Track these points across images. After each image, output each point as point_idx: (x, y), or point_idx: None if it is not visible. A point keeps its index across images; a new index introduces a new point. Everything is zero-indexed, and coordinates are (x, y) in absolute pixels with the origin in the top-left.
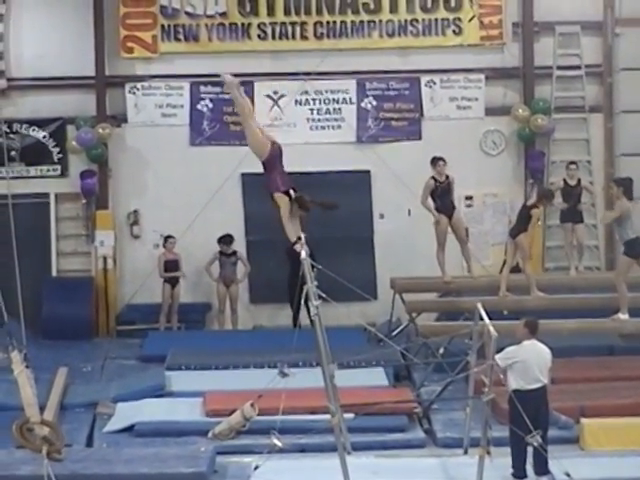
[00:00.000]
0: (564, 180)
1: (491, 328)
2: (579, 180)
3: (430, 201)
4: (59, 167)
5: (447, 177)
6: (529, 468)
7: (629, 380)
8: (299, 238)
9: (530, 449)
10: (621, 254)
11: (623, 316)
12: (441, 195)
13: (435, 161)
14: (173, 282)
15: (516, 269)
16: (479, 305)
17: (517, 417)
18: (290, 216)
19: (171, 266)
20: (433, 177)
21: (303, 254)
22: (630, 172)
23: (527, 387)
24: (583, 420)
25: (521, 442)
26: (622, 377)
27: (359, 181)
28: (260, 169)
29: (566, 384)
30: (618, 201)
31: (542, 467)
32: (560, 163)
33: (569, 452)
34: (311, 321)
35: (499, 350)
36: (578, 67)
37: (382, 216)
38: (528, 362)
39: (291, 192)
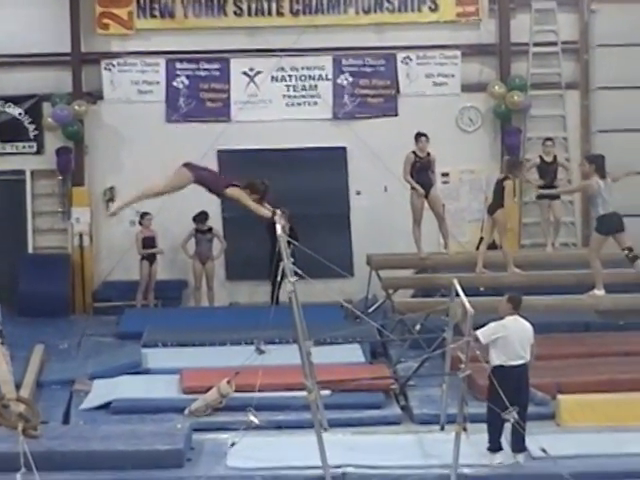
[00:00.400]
0: (540, 157)
1: (467, 304)
2: (555, 157)
3: (410, 176)
4: (35, 144)
5: (428, 154)
6: (506, 445)
7: (605, 356)
8: (274, 213)
9: (508, 426)
10: (594, 230)
11: (599, 292)
12: (420, 171)
13: (418, 136)
14: (151, 259)
15: (492, 246)
16: (455, 281)
17: (497, 393)
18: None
19: (149, 243)
20: (414, 152)
21: (279, 229)
22: (606, 149)
23: (509, 363)
24: (559, 396)
25: (499, 418)
26: (598, 353)
27: (335, 158)
28: (238, 146)
29: (542, 361)
30: (589, 178)
31: (519, 444)
32: (536, 140)
33: (545, 428)
34: (288, 298)
35: (479, 327)
36: (554, 44)
37: (358, 193)
38: (510, 338)
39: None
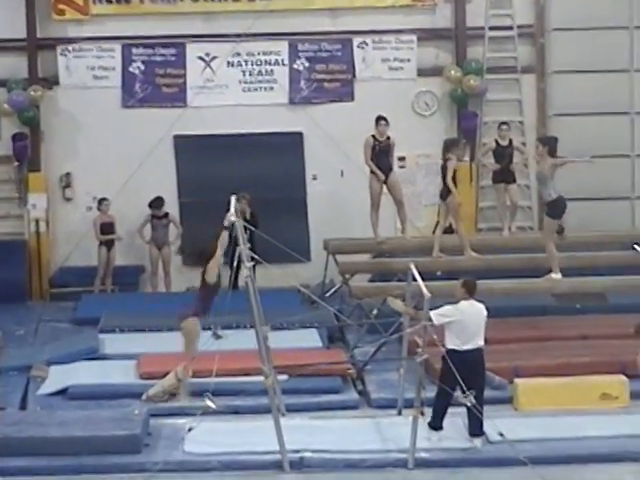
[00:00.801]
0: (496, 141)
1: (424, 289)
2: (510, 140)
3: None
4: None
5: (388, 138)
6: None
7: (562, 340)
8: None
9: (464, 411)
10: (545, 215)
11: (555, 276)
12: (379, 155)
13: (378, 120)
14: (109, 245)
15: (449, 230)
16: (412, 266)
17: (448, 375)
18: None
19: (107, 228)
20: (373, 136)
21: (232, 215)
22: (562, 132)
23: (463, 347)
24: (516, 380)
25: (446, 400)
26: (555, 337)
27: (291, 143)
28: (194, 131)
29: (499, 344)
30: (543, 159)
31: (476, 428)
32: (492, 124)
33: (503, 412)
34: (245, 283)
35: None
36: (510, 28)
37: (315, 177)
38: (465, 322)
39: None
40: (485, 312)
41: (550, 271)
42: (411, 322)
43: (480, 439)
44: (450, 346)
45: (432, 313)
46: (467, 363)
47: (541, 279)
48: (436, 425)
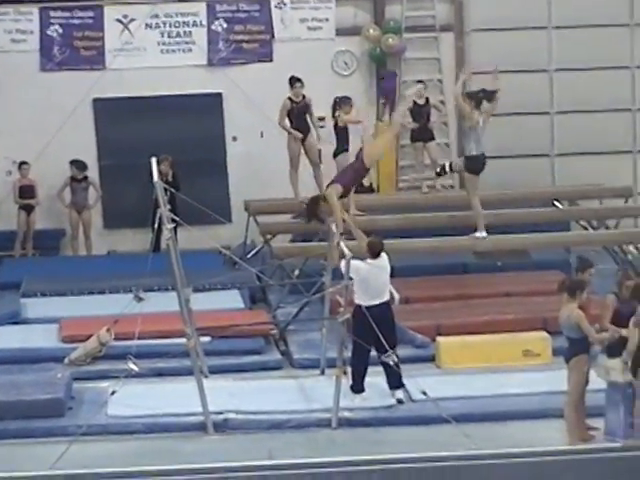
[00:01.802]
0: (413, 100)
1: (345, 248)
2: (427, 99)
3: (287, 121)
4: None
5: (304, 97)
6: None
7: (484, 298)
8: None
9: (380, 367)
10: (465, 171)
11: (480, 234)
12: (297, 116)
13: (292, 82)
14: (28, 209)
15: (370, 189)
16: (333, 226)
17: (359, 332)
18: None
19: (26, 192)
20: (289, 98)
21: (155, 176)
22: None
23: (369, 303)
24: (439, 339)
25: (363, 359)
26: (477, 295)
27: (211, 104)
28: (113, 94)
29: (421, 303)
30: (469, 115)
31: (396, 381)
32: (412, 82)
33: (425, 371)
34: (166, 245)
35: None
36: None
37: (235, 139)
38: (368, 280)
39: None
40: (387, 263)
41: (475, 230)
42: (332, 282)
43: (401, 391)
44: (357, 302)
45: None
46: (374, 318)
47: (466, 237)
48: (358, 388)
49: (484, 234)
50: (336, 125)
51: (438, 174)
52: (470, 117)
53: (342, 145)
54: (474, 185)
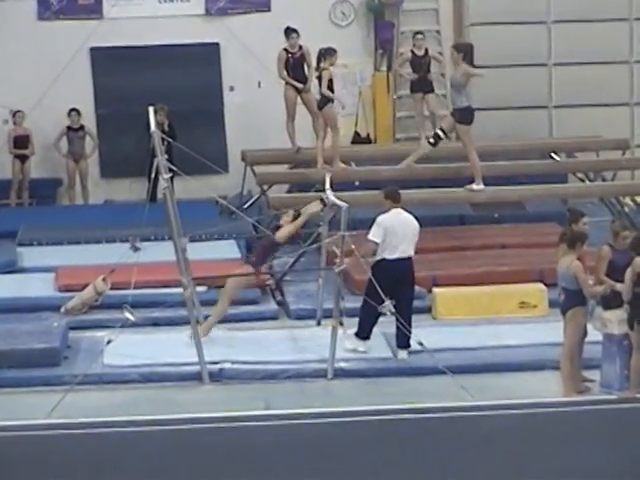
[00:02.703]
0: (411, 51)
1: (336, 200)
2: (426, 50)
3: (284, 73)
4: None
5: (300, 47)
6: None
7: (481, 249)
8: None
9: (383, 321)
10: (457, 123)
11: (477, 186)
12: (294, 67)
13: (288, 33)
14: (23, 158)
15: (367, 140)
16: (327, 176)
17: (374, 285)
18: None
19: (21, 141)
20: (285, 49)
21: (152, 125)
22: (479, 41)
23: (391, 256)
24: (435, 290)
25: (374, 310)
26: (473, 246)
27: (208, 54)
28: (111, 43)
29: (418, 254)
30: (458, 66)
31: (403, 340)
32: (409, 33)
33: (422, 322)
34: (163, 194)
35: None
36: None
37: (232, 88)
38: (393, 231)
39: None
40: (415, 223)
41: (472, 181)
42: (329, 233)
43: (406, 351)
44: (378, 256)
45: (371, 236)
46: (395, 272)
47: (462, 189)
48: (364, 335)
49: (481, 186)
50: (320, 77)
51: (434, 144)
52: (467, 71)
53: (327, 96)
54: (469, 136)
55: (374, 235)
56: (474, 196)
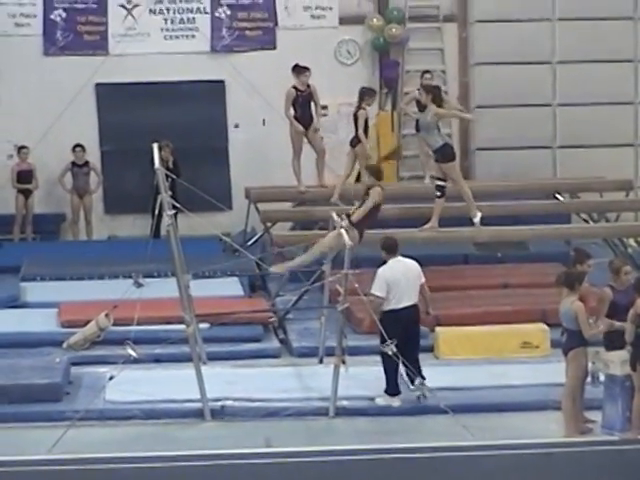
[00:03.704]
0: (418, 90)
1: (346, 237)
2: None
3: (292, 111)
4: None
5: (309, 86)
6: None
7: (483, 288)
8: None
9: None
10: (439, 164)
11: (476, 219)
12: (302, 104)
13: (300, 70)
14: (26, 193)
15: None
16: (333, 214)
17: (388, 337)
18: None
19: (25, 176)
20: (294, 86)
21: (156, 163)
22: (483, 81)
23: (398, 306)
24: (438, 329)
25: (394, 361)
26: (476, 286)
27: (214, 91)
28: (116, 79)
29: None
30: (427, 108)
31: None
32: (415, 72)
33: (425, 361)
34: (166, 231)
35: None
36: None
37: (237, 126)
38: (396, 280)
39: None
40: (416, 268)
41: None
42: (333, 271)
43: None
44: (386, 308)
45: (374, 290)
46: (401, 321)
47: (468, 228)
48: (393, 391)
49: (479, 216)
50: (356, 115)
51: (441, 196)
52: (437, 112)
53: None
54: (456, 172)
55: (378, 289)
56: (478, 235)
